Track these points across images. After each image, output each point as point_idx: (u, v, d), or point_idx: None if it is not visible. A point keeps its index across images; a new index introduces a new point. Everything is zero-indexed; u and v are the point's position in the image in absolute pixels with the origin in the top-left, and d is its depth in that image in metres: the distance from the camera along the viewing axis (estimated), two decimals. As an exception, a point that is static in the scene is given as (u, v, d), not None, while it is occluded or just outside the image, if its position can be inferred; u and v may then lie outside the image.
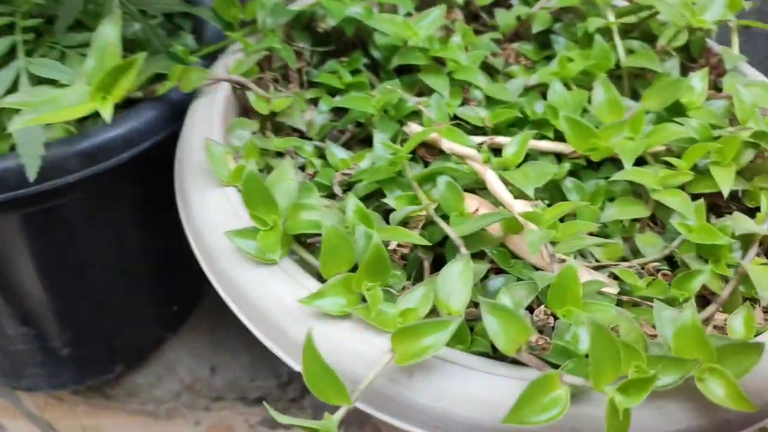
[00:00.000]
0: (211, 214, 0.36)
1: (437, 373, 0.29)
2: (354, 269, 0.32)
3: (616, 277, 0.37)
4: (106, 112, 0.32)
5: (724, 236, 0.34)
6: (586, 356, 0.30)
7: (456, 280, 0.32)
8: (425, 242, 0.35)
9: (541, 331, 0.33)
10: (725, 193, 0.37)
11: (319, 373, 0.28)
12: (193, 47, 0.52)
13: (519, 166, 0.41)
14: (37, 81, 0.36)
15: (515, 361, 0.30)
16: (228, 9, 0.48)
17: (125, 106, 0.45)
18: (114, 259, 0.52)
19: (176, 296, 0.62)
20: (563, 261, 0.35)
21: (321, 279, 0.33)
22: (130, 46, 0.52)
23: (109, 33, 0.32)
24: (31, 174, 0.35)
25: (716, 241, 0.34)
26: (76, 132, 0.41)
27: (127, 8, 0.46)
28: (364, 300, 0.31)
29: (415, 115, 0.45)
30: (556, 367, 0.29)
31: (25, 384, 0.59)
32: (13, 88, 0.35)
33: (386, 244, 0.37)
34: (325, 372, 0.28)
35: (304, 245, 0.36)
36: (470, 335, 0.32)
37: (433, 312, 0.32)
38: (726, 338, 0.29)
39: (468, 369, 0.30)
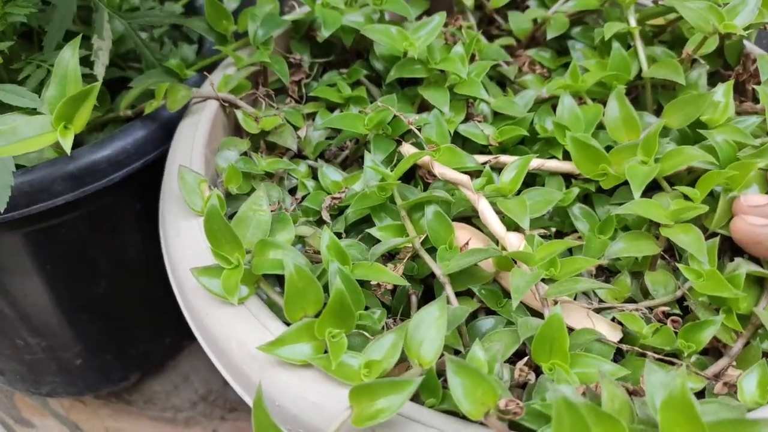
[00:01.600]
0: (184, 246, 0.35)
1: (400, 432, 0.27)
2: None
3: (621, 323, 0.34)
4: (67, 143, 0.31)
5: (733, 289, 0.30)
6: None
7: (429, 327, 0.29)
8: (403, 282, 0.33)
9: (522, 386, 0.30)
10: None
11: (268, 430, 0.26)
12: (192, 60, 0.50)
13: (519, 192, 0.38)
14: (9, 107, 0.35)
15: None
16: (219, 21, 0.46)
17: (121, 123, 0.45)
18: (120, 273, 0.52)
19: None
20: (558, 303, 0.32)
21: (288, 323, 0.31)
22: (131, 56, 0.52)
23: (68, 59, 0.31)
24: (2, 205, 0.35)
25: (724, 293, 0.30)
26: (61, 155, 0.40)
27: (120, 22, 0.45)
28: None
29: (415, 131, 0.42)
30: (531, 431, 0.27)
31: (44, 390, 0.61)
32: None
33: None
34: (272, 429, 0.26)
35: (280, 279, 0.35)
36: (440, 389, 0.29)
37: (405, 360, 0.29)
38: (724, 406, 0.26)
39: (434, 429, 0.27)
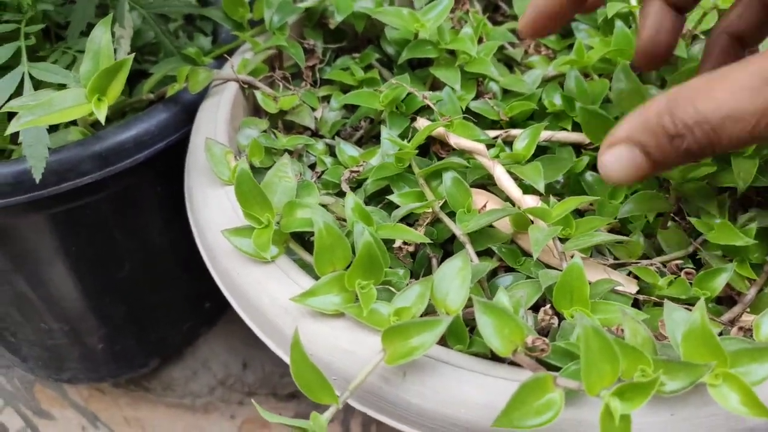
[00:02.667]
0: (212, 212, 0.36)
1: (430, 373, 0.28)
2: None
3: (636, 277, 0.35)
4: (101, 113, 0.32)
5: (744, 237, 0.32)
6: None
7: (454, 278, 0.31)
8: (425, 240, 0.34)
9: (545, 333, 0.31)
10: (740, 189, 0.34)
11: (306, 373, 0.27)
12: (208, 49, 0.52)
13: (531, 159, 0.39)
14: (43, 86, 0.36)
15: (514, 363, 0.29)
16: (236, 9, 0.48)
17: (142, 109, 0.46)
18: (142, 257, 0.53)
19: (208, 293, 0.63)
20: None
21: (318, 278, 0.32)
22: (148, 50, 0.53)
23: (101, 36, 0.33)
24: (37, 175, 0.36)
25: (736, 242, 0.32)
26: (87, 137, 0.42)
27: (139, 12, 0.47)
28: (358, 298, 0.30)
29: (428, 110, 0.44)
30: (557, 369, 0.28)
31: (65, 376, 0.61)
32: (17, 93, 0.36)
33: (391, 241, 0.37)
34: (311, 371, 0.27)
35: (306, 244, 0.36)
36: (469, 335, 0.30)
37: (432, 311, 0.31)
38: (742, 341, 0.27)
39: (463, 370, 0.28)
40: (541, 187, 0.36)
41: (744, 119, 0.26)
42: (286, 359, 0.33)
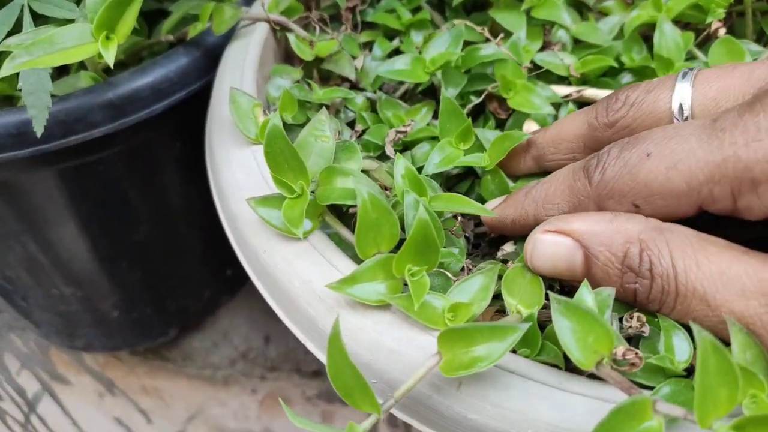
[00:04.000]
0: (237, 176, 0.31)
1: (493, 384, 0.23)
2: (399, 246, 0.26)
3: None
4: (110, 54, 0.27)
5: None
6: (685, 375, 0.23)
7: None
8: (490, 213, 0.29)
9: (630, 341, 0.26)
10: None
11: (346, 375, 0.22)
12: (235, -16, 0.46)
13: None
14: (45, 21, 0.31)
15: (593, 376, 0.23)
16: (270, -63, 0.42)
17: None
18: (158, 219, 0.49)
19: (230, 259, 0.59)
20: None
21: (359, 259, 0.27)
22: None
23: (112, -38, 0.27)
24: (38, 128, 0.31)
25: None
26: (98, 83, 0.37)
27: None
28: (407, 287, 0.25)
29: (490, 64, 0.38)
30: (646, 388, 0.23)
31: (79, 344, 0.58)
32: (16, 29, 0.31)
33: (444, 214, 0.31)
34: (352, 374, 0.22)
35: (343, 216, 0.31)
36: (540, 338, 0.25)
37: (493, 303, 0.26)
38: None
39: (531, 381, 0.23)
40: None
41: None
42: (317, 353, 0.28)
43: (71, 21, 0.31)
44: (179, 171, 0.45)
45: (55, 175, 0.41)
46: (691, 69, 0.28)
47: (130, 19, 0.27)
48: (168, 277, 0.52)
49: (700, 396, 0.19)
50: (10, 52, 0.27)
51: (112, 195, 0.44)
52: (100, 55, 0.28)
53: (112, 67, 0.27)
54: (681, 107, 0.26)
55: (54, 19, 0.31)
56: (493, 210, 0.30)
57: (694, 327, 0.21)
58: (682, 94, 0.26)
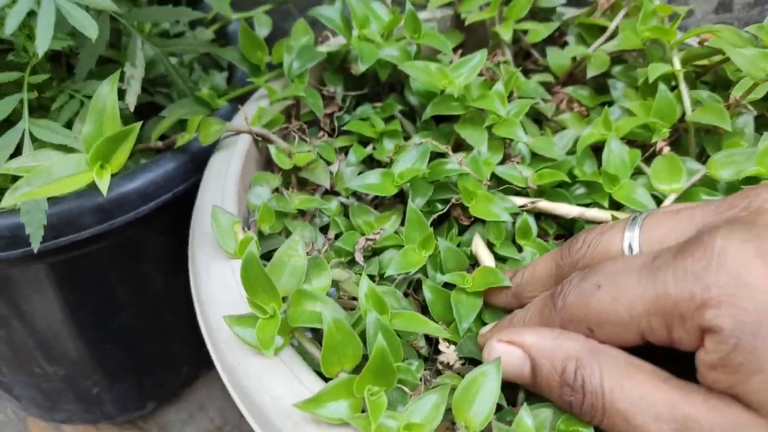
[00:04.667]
0: (216, 289, 0.34)
1: (442, 504, 0.26)
2: (363, 364, 0.29)
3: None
4: (103, 184, 0.30)
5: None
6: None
7: (481, 388, 0.28)
8: (446, 335, 0.32)
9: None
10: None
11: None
12: (223, 88, 0.50)
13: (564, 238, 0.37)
14: (43, 144, 0.34)
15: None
16: (254, 52, 0.45)
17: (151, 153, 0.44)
18: (142, 305, 0.51)
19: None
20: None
21: (323, 376, 0.30)
22: (160, 81, 0.51)
23: (106, 95, 0.30)
24: (35, 243, 0.34)
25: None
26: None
27: (153, 49, 0.44)
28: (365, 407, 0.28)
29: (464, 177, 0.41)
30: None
31: (59, 417, 0.60)
32: (18, 151, 0.34)
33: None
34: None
35: (311, 328, 0.33)
36: (486, 456, 0.28)
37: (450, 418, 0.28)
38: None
39: (479, 502, 0.26)
40: None
41: None
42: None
43: (66, 146, 0.33)
44: (163, 262, 0.48)
45: (44, 268, 0.43)
46: (641, 213, 0.31)
47: (124, 153, 0.30)
48: (148, 358, 0.54)
49: None
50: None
51: (99, 285, 0.46)
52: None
53: (104, 195, 0.30)
54: (630, 247, 0.30)
55: (49, 144, 0.34)
56: (483, 334, 0.33)
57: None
58: (632, 236, 0.30)
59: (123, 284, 0.47)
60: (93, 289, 0.46)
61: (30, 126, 0.34)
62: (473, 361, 0.34)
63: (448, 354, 0.32)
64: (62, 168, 0.30)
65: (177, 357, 0.58)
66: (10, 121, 0.34)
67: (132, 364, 0.54)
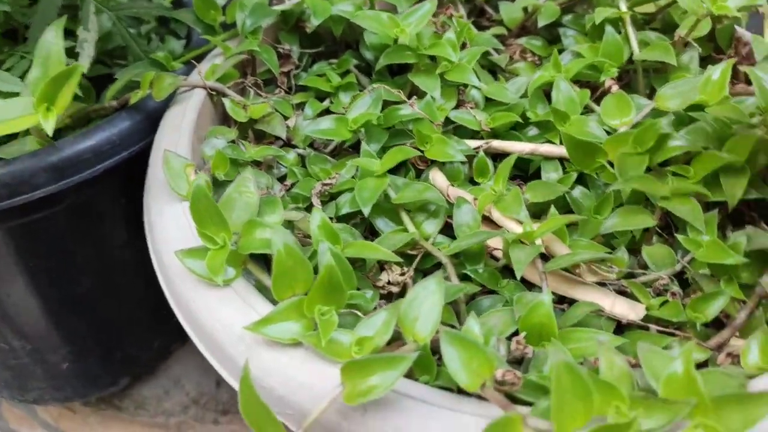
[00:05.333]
0: (169, 231, 0.34)
1: (393, 409, 0.26)
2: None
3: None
4: (49, 125, 0.30)
5: (735, 255, 0.29)
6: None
7: (424, 302, 0.28)
8: (395, 258, 0.32)
9: (520, 362, 0.29)
10: (731, 205, 0.32)
11: (256, 411, 0.25)
12: (179, 53, 0.50)
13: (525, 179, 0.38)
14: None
15: (484, 397, 0.26)
16: (207, 11, 0.46)
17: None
18: (106, 272, 0.51)
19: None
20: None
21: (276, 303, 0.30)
22: (119, 53, 0.51)
23: (52, 40, 0.30)
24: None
25: (726, 260, 0.29)
26: (44, 146, 0.39)
27: (108, 15, 0.44)
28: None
29: (409, 121, 0.42)
30: (531, 404, 0.26)
31: (30, 397, 0.59)
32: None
33: (362, 261, 0.35)
34: (261, 410, 0.25)
35: (268, 267, 0.34)
36: (435, 366, 0.28)
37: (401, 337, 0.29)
38: (727, 377, 0.25)
39: (429, 405, 0.26)
40: (523, 218, 0.34)
41: None
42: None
43: (17, 94, 0.34)
44: (125, 225, 0.48)
45: (2, 234, 0.43)
46: None
47: (68, 93, 0.30)
48: (116, 328, 0.54)
49: (555, 410, 0.22)
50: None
51: (59, 249, 0.46)
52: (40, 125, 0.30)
53: (51, 135, 0.30)
54: None
55: (1, 93, 0.34)
56: None
57: (551, 350, 0.24)
58: None
59: (83, 249, 0.47)
60: (52, 254, 0.46)
61: (-23, 76, 0.34)
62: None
63: (392, 273, 0.33)
64: (8, 111, 0.31)
65: (146, 328, 0.57)
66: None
67: (99, 336, 0.54)
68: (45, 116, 0.30)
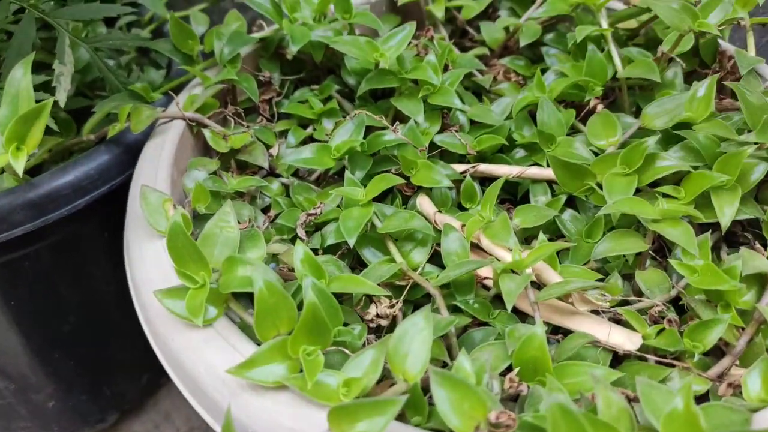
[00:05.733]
0: (148, 268, 0.33)
1: (385, 455, 0.25)
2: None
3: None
4: (19, 164, 0.29)
5: (731, 281, 0.29)
6: None
7: (414, 339, 0.27)
8: (383, 292, 0.31)
9: (515, 399, 0.28)
10: (724, 226, 0.31)
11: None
12: (159, 83, 0.49)
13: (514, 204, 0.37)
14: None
15: (479, 439, 0.25)
16: (185, 41, 0.45)
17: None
18: (91, 308, 0.49)
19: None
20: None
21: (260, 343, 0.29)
22: (99, 85, 0.50)
23: (20, 78, 0.30)
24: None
25: (721, 286, 0.29)
26: (20, 183, 0.38)
27: (85, 48, 0.44)
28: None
29: (393, 147, 0.41)
30: (525, 445, 0.25)
31: (17, 436, 0.57)
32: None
33: (349, 296, 0.34)
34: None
35: (252, 303, 0.33)
36: (426, 406, 0.27)
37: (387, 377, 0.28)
38: (729, 411, 0.24)
39: (422, 450, 0.25)
40: (512, 245, 0.34)
41: None
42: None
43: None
44: (108, 260, 0.47)
45: (-17, 271, 0.42)
46: None
47: (38, 131, 0.29)
48: (102, 364, 0.53)
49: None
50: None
51: (41, 287, 0.45)
52: (9, 164, 0.29)
53: (21, 175, 0.29)
54: None
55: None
56: None
57: (545, 392, 0.23)
58: None
59: (67, 285, 0.46)
60: (36, 292, 0.45)
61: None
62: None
63: (380, 306, 0.32)
64: (-24, 151, 0.29)
65: (134, 364, 0.56)
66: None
67: (86, 372, 0.52)
68: (15, 156, 0.29)
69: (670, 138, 0.39)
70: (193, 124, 0.41)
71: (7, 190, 0.38)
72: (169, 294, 0.30)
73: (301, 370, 0.27)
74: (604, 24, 0.45)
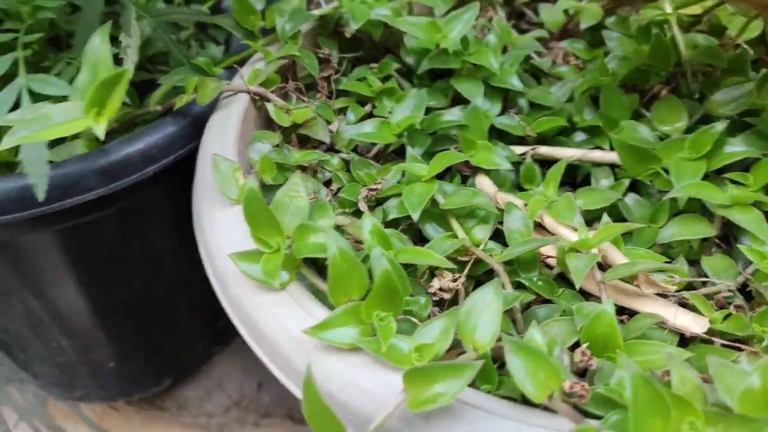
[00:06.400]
0: (221, 234, 0.34)
1: (458, 418, 0.26)
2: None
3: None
4: (100, 129, 0.30)
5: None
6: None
7: (483, 310, 0.28)
8: (448, 264, 0.32)
9: (583, 373, 0.29)
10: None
11: (320, 414, 0.25)
12: (219, 58, 0.50)
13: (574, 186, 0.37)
14: (42, 98, 0.34)
15: (550, 408, 0.26)
16: (247, 17, 0.46)
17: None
18: (154, 274, 0.51)
19: (222, 312, 0.61)
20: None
21: (333, 308, 0.30)
22: (159, 59, 0.51)
23: (99, 45, 0.31)
24: (40, 194, 0.34)
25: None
26: (92, 150, 0.40)
27: (148, 21, 0.45)
28: (376, 332, 0.28)
29: (452, 128, 0.41)
30: (597, 417, 0.25)
31: (77, 394, 0.60)
32: (16, 107, 0.34)
33: (413, 266, 0.34)
34: (325, 413, 0.25)
35: (322, 268, 0.33)
36: (497, 375, 0.27)
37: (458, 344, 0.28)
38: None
39: (493, 415, 0.25)
40: (577, 225, 0.34)
41: None
42: (298, 393, 0.30)
43: (65, 98, 0.34)
44: (172, 229, 0.48)
45: (53, 235, 0.43)
46: None
47: (117, 98, 0.30)
48: (161, 330, 0.54)
49: (635, 425, 0.22)
50: (11, 126, 0.30)
51: (108, 253, 0.46)
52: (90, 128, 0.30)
53: (102, 140, 0.30)
54: None
55: (50, 97, 0.34)
56: None
57: (625, 363, 0.23)
58: None
59: (132, 252, 0.47)
60: (102, 257, 0.46)
61: (28, 81, 0.34)
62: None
63: (443, 280, 0.32)
64: (59, 114, 0.31)
65: (190, 331, 0.58)
66: (11, 79, 0.35)
67: (145, 337, 0.54)
68: (96, 120, 0.30)
69: (735, 125, 0.39)
70: (257, 98, 0.42)
71: (80, 156, 0.40)
72: (245, 257, 0.30)
73: (374, 335, 0.28)
74: (668, 9, 0.44)
